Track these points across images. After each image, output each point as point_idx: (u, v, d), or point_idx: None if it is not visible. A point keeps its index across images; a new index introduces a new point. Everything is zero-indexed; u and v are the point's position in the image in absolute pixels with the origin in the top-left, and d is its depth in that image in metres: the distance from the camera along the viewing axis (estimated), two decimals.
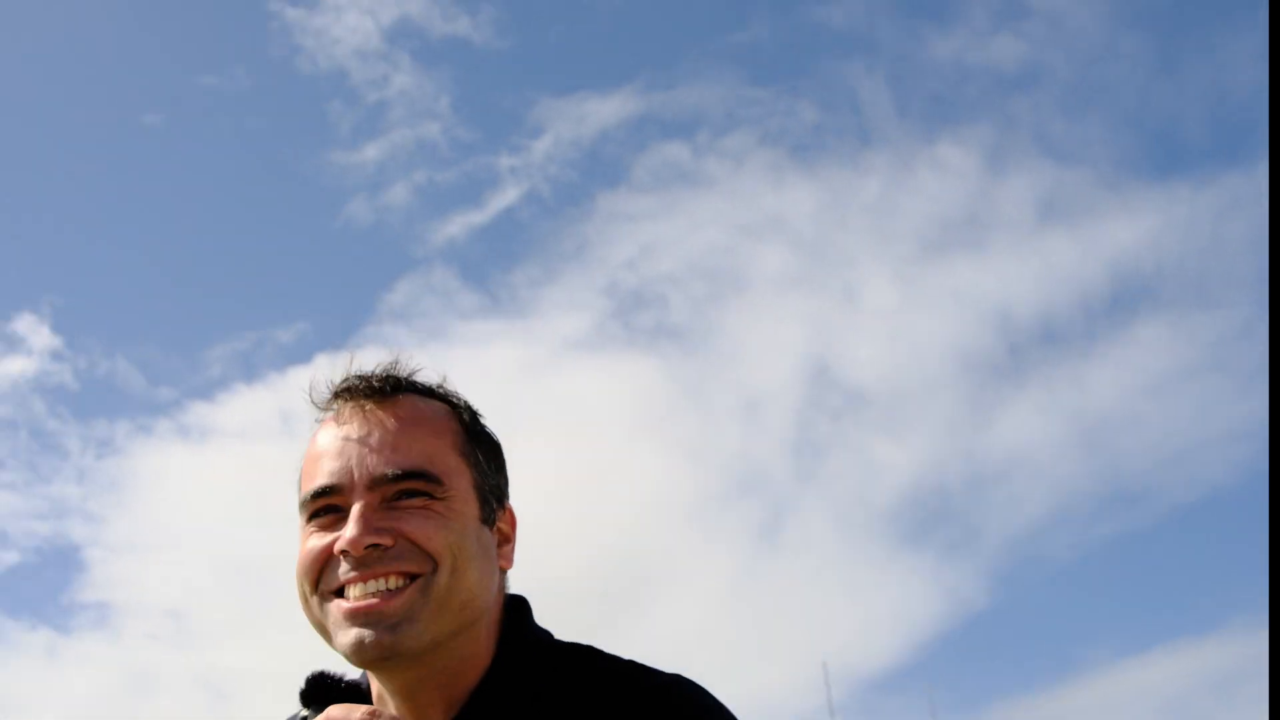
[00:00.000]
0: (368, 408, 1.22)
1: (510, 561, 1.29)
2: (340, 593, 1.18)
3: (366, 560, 1.15)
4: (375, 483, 1.18)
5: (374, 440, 1.20)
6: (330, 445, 1.22)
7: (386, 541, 1.16)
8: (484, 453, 1.29)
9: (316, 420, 1.28)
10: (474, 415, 1.31)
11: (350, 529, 1.16)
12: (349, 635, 1.14)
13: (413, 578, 1.16)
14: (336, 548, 1.17)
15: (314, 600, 1.20)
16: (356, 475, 1.18)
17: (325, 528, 1.20)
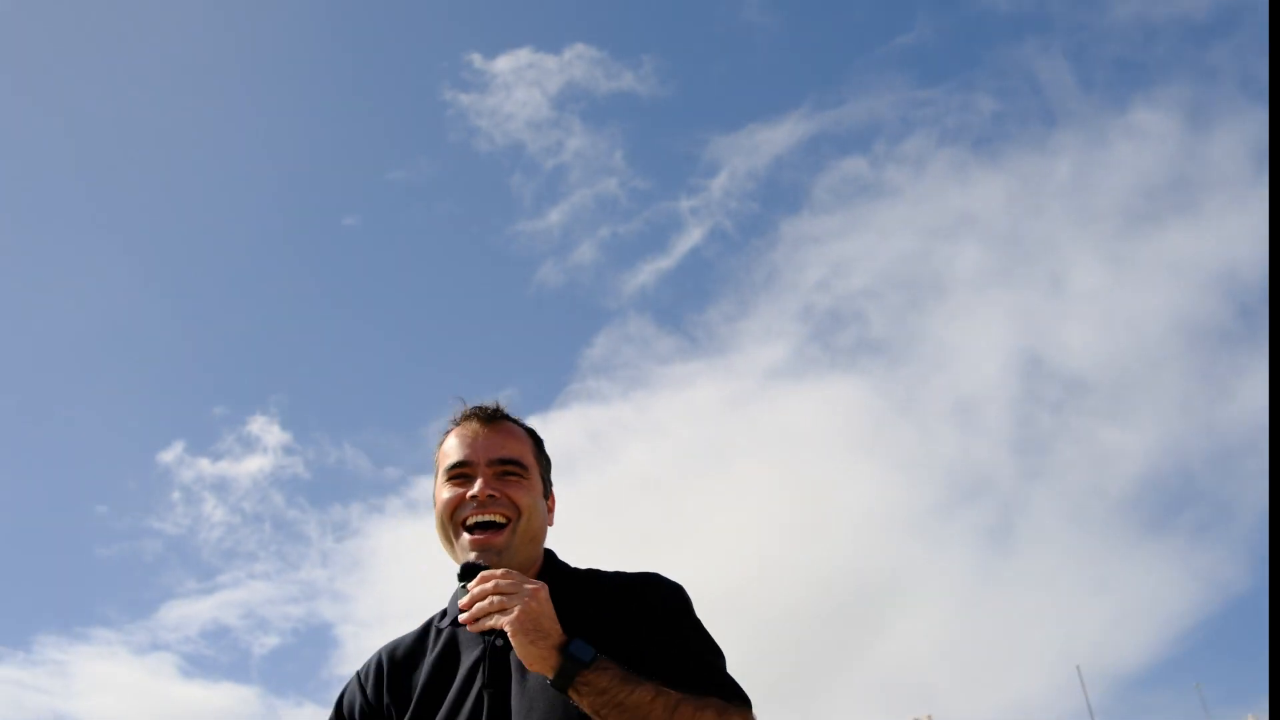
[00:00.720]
0: (482, 425, 2.09)
1: (552, 520, 2.15)
2: (466, 525, 2.01)
3: (485, 503, 2.00)
4: (491, 463, 2.03)
5: (489, 441, 2.06)
6: (459, 441, 2.09)
7: (496, 494, 2.01)
8: (543, 460, 2.16)
9: (444, 431, 2.15)
10: (539, 438, 2.19)
11: (479, 484, 2.01)
12: (470, 556, 1.98)
13: (507, 519, 2.00)
14: (468, 494, 2.01)
15: (449, 529, 2.03)
16: (480, 457, 2.04)
17: (457, 485, 2.04)
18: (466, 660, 1.96)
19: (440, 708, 1.93)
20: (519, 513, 2.00)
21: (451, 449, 2.08)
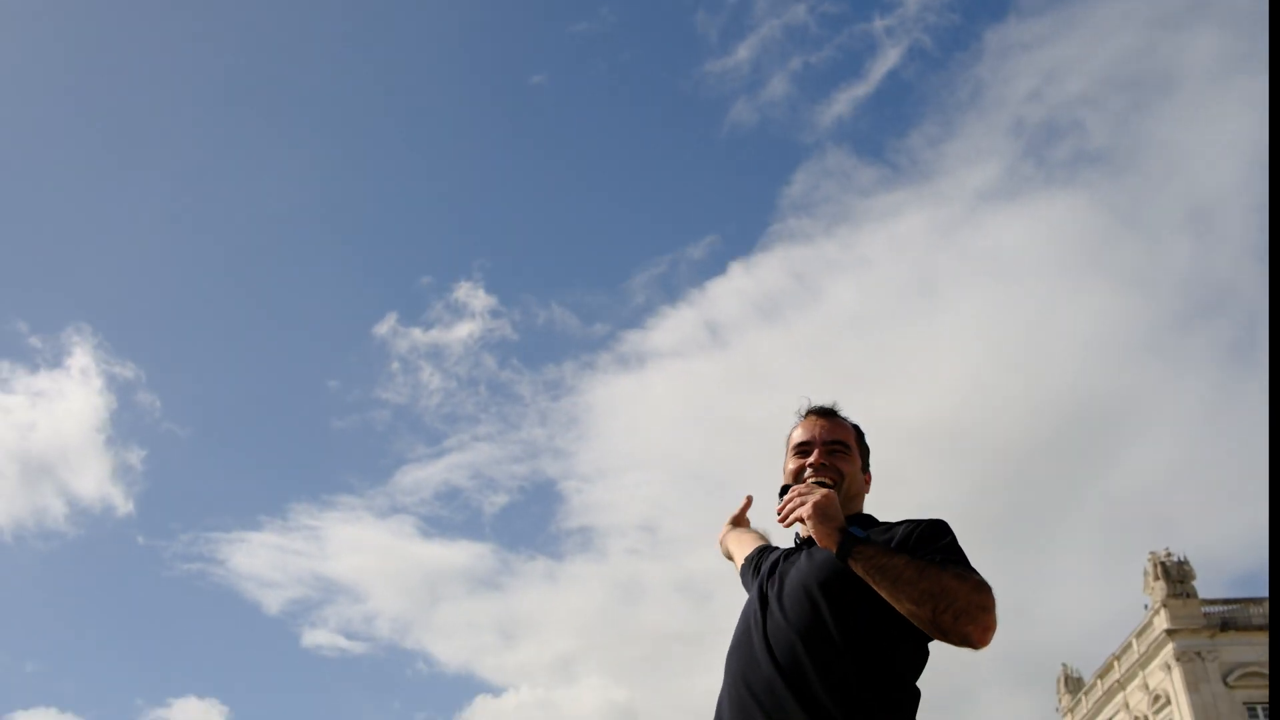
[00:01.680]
0: (819, 417, 2.89)
1: (868, 489, 2.90)
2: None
3: (819, 470, 2.77)
4: (824, 443, 2.82)
5: (824, 428, 2.86)
6: (803, 428, 2.89)
7: (827, 464, 2.78)
8: (864, 447, 2.93)
9: (793, 425, 2.94)
10: (861, 430, 2.94)
11: (815, 455, 2.80)
12: None
13: (834, 482, 2.78)
14: (807, 463, 2.80)
15: None
16: (818, 439, 2.83)
17: (800, 458, 2.82)
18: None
19: (763, 572, 2.79)
20: (842, 477, 2.79)
21: (797, 434, 2.92)
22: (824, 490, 2.51)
